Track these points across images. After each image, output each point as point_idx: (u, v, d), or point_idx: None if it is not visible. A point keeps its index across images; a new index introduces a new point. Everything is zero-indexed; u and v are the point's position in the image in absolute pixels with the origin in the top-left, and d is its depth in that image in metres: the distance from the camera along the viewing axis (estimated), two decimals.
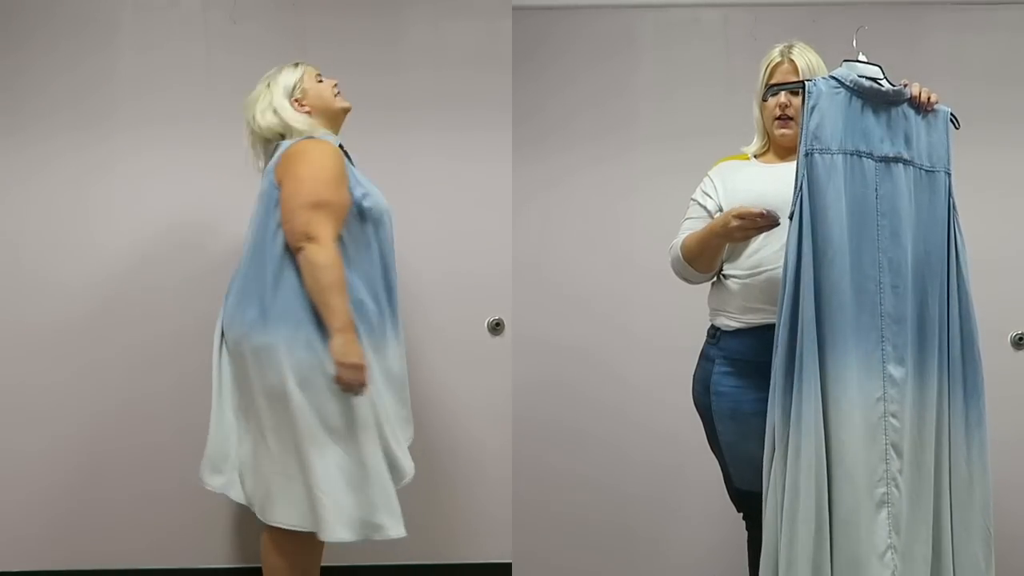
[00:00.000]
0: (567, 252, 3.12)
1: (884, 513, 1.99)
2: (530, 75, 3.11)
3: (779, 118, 2.27)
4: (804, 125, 2.02)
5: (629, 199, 3.10)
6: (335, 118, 2.43)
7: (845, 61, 2.11)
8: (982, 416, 2.12)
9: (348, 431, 2.18)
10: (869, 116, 2.06)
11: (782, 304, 2.00)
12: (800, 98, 2.14)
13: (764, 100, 2.29)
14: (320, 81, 2.44)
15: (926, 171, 2.12)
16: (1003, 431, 2.86)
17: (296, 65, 2.44)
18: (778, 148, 2.33)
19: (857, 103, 2.06)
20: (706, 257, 2.24)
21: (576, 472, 3.08)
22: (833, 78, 2.07)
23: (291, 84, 2.39)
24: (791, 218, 2.03)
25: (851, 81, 2.05)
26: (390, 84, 3.01)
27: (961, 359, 2.12)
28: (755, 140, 2.39)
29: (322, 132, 2.36)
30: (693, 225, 2.32)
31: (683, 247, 2.28)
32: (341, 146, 2.38)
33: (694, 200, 2.37)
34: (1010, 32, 3.08)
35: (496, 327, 3.05)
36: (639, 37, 3.14)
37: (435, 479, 3.00)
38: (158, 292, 2.90)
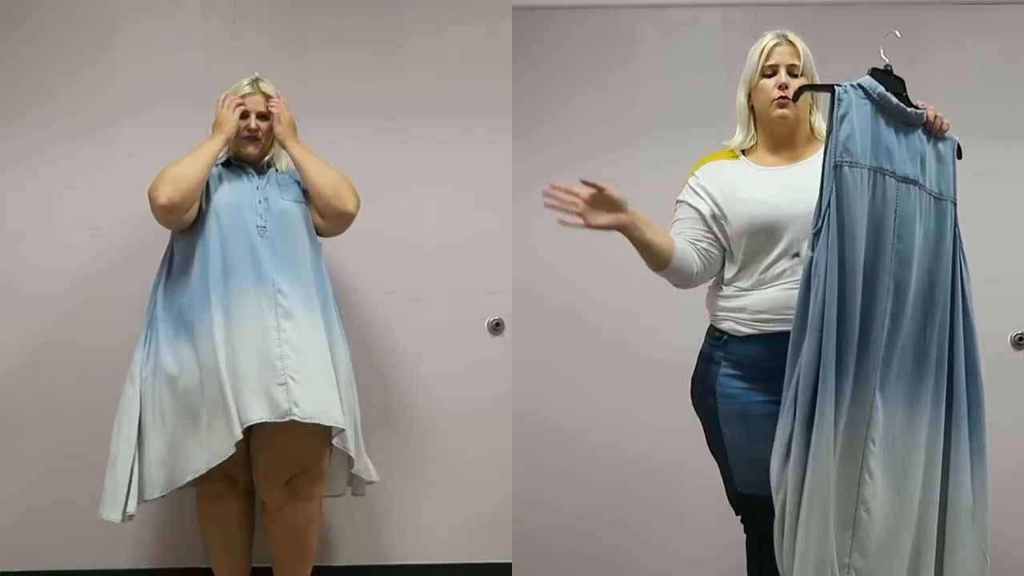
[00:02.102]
0: (567, 252, 3.12)
1: (848, 533, 1.98)
2: (530, 75, 3.11)
3: (778, 99, 2.13)
4: (834, 134, 1.93)
5: (629, 199, 3.09)
6: (238, 153, 2.60)
7: (872, 70, 2.02)
8: (984, 448, 2.10)
9: None
10: (892, 133, 1.99)
11: (806, 318, 1.94)
12: (797, 87, 2.10)
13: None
14: (242, 116, 2.56)
15: (935, 198, 2.05)
16: (1003, 431, 2.86)
17: (237, 89, 2.60)
18: (770, 137, 2.22)
19: (881, 118, 1.98)
20: (647, 256, 2.14)
21: (576, 472, 3.08)
22: (860, 87, 1.98)
23: None
24: (816, 234, 1.95)
25: (878, 94, 1.97)
26: (390, 83, 3.02)
27: (966, 391, 2.07)
28: (738, 133, 2.26)
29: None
30: (682, 228, 2.23)
31: None
32: (230, 160, 2.60)
33: (682, 201, 2.27)
34: (1009, 32, 3.08)
35: (496, 327, 3.05)
36: (639, 37, 3.13)
37: (435, 479, 3.00)
38: None
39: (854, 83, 2.00)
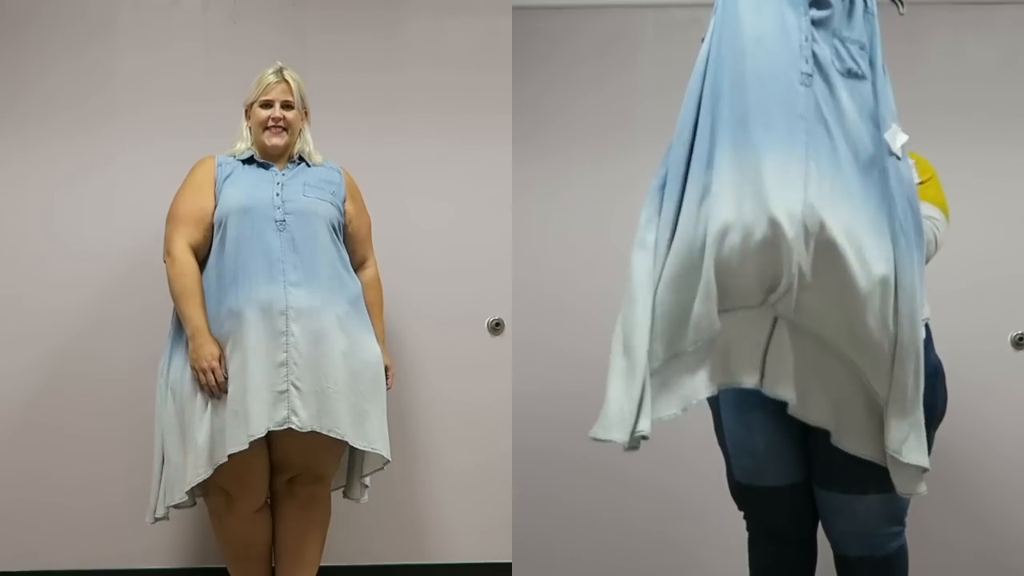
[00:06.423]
0: (567, 251, 3.13)
1: None
2: (530, 74, 3.11)
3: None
4: None
5: (629, 198, 3.07)
6: (262, 148, 2.51)
7: None
8: None
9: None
10: None
11: None
12: None
13: None
14: (265, 106, 2.49)
15: None
16: (1003, 431, 2.87)
17: (261, 80, 2.50)
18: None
19: None
20: None
21: (576, 472, 3.08)
22: None
23: (248, 99, 2.52)
24: None
25: None
26: (390, 82, 3.02)
27: None
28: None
29: (240, 150, 2.51)
30: None
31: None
32: (252, 158, 2.49)
33: None
34: (1009, 31, 3.09)
35: (496, 327, 3.05)
36: (639, 36, 3.14)
37: (435, 479, 3.00)
38: (156, 290, 2.89)
39: None
